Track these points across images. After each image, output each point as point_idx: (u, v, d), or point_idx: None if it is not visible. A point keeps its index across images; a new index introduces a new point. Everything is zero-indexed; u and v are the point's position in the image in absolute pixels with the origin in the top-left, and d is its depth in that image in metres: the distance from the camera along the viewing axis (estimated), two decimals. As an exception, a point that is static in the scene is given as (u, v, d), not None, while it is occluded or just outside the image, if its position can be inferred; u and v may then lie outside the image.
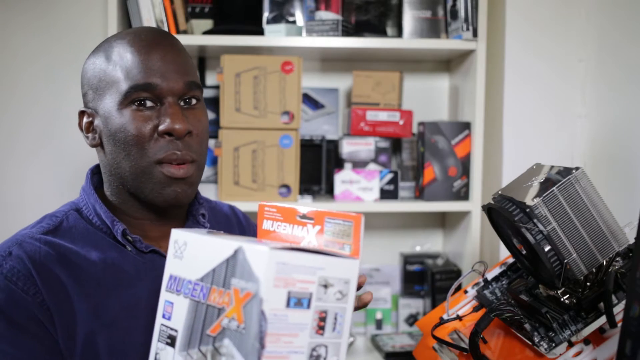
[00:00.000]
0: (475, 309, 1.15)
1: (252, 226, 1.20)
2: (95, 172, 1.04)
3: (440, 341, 1.13)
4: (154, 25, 1.82)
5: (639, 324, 0.69)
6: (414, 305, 2.11)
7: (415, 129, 2.06)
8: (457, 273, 2.00)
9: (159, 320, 0.82)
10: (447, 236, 2.18)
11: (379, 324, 2.09)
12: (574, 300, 0.97)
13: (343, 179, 1.92)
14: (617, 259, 0.98)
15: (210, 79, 2.10)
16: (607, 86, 1.74)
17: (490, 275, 1.19)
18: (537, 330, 0.98)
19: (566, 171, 0.94)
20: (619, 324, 0.89)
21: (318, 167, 2.00)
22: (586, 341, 0.93)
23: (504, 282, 1.18)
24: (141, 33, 0.96)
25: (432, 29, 1.93)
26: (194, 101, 0.96)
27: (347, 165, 1.95)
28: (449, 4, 1.91)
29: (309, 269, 0.72)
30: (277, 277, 0.70)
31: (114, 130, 0.93)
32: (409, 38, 1.92)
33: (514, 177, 1.06)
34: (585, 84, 1.83)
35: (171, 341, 0.79)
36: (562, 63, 1.84)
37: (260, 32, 1.90)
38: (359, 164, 1.96)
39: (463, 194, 1.94)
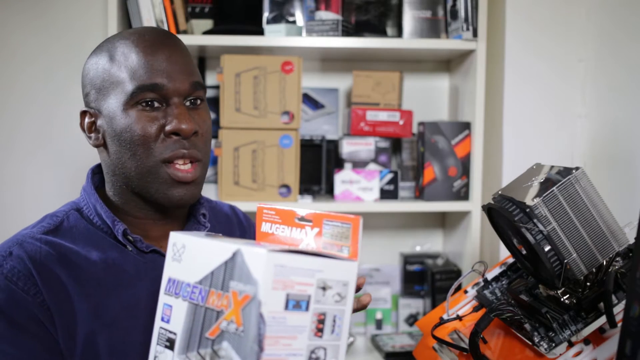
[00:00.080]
0: (475, 309, 1.15)
1: (252, 226, 1.20)
2: (96, 171, 1.04)
3: (440, 341, 1.13)
4: (153, 25, 1.82)
5: (639, 324, 0.69)
6: (414, 305, 2.11)
7: (415, 129, 2.06)
8: (457, 273, 2.00)
9: (157, 323, 0.82)
10: (447, 236, 2.18)
11: (379, 324, 2.09)
12: (574, 300, 0.97)
13: (343, 179, 1.92)
14: (617, 259, 0.98)
15: (210, 79, 2.10)
16: (607, 86, 1.74)
17: (490, 275, 1.19)
18: (537, 330, 0.98)
19: (566, 171, 0.94)
20: (619, 324, 0.89)
21: (318, 167, 2.00)
22: (586, 341, 0.93)
23: (504, 282, 1.18)
24: (145, 33, 0.96)
25: (432, 29, 1.93)
26: (199, 101, 0.97)
27: (347, 165, 1.95)
28: (449, 4, 1.91)
29: (308, 272, 0.72)
30: (275, 280, 0.70)
31: (120, 130, 0.93)
32: (409, 38, 1.92)
33: (514, 177, 1.06)
34: (585, 84, 1.83)
35: (170, 344, 0.79)
36: (562, 63, 1.84)
37: (260, 32, 1.90)
38: (359, 164, 1.96)
39: (463, 194, 1.94)
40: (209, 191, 1.96)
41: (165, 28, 1.82)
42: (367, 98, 2.00)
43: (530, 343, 0.98)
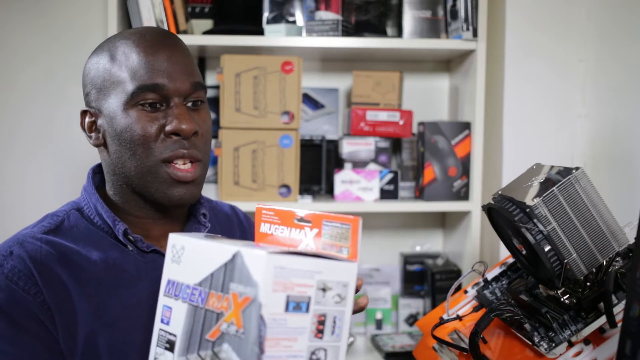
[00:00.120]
0: (475, 309, 1.15)
1: (253, 226, 1.20)
2: (97, 171, 1.04)
3: (440, 341, 1.13)
4: (153, 25, 1.82)
5: (639, 324, 0.69)
6: (414, 305, 2.11)
7: (415, 129, 2.06)
8: (457, 273, 2.00)
9: (157, 325, 0.82)
10: (447, 236, 2.18)
11: (379, 324, 2.09)
12: (574, 300, 0.97)
13: (343, 179, 1.92)
14: (617, 259, 0.98)
15: (210, 79, 2.10)
16: (607, 86, 1.74)
17: (490, 275, 1.19)
18: (537, 330, 0.98)
19: (566, 171, 0.94)
20: (619, 324, 0.89)
21: (318, 167, 2.00)
22: (586, 341, 0.93)
23: (504, 282, 1.18)
24: (146, 33, 0.96)
25: (432, 29, 1.93)
26: (199, 103, 0.97)
27: (347, 165, 1.95)
28: (449, 4, 1.91)
29: (307, 273, 0.72)
30: (275, 282, 0.69)
31: (120, 130, 0.93)
32: (409, 38, 1.92)
33: (514, 177, 1.06)
34: (585, 84, 1.83)
35: (170, 346, 0.79)
36: (562, 63, 1.84)
37: (260, 32, 1.90)
38: (359, 164, 1.96)
39: (463, 194, 1.94)
40: (209, 191, 1.96)
41: (165, 28, 1.82)
42: (367, 98, 2.00)
43: (530, 343, 0.98)
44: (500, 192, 1.03)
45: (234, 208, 1.21)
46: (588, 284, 0.97)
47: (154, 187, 0.95)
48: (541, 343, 0.96)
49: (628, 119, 1.63)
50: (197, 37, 1.87)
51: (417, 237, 2.20)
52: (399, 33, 1.96)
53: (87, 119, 0.98)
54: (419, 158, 1.97)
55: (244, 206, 1.41)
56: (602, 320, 0.92)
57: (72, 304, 0.90)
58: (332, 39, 1.86)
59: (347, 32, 1.91)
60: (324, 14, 1.91)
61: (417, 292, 2.12)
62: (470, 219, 1.93)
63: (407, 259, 2.13)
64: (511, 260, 1.18)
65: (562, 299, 0.98)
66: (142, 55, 0.93)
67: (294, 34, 1.88)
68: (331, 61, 2.15)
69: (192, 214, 1.06)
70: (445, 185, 1.93)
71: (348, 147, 1.96)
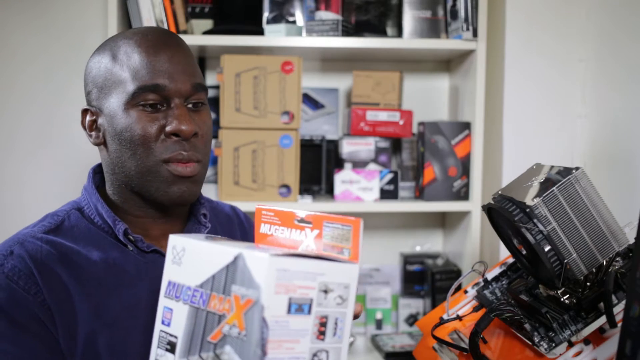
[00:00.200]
0: (475, 309, 1.15)
1: (253, 227, 1.19)
2: (97, 171, 1.04)
3: (440, 341, 1.13)
4: (154, 25, 1.82)
5: (639, 324, 0.69)
6: (414, 305, 2.11)
7: (415, 129, 2.06)
8: (457, 273, 2.00)
9: (158, 326, 0.82)
10: (447, 236, 2.18)
11: (379, 324, 2.09)
12: (574, 300, 0.97)
13: (343, 179, 1.92)
14: (617, 259, 0.98)
15: (210, 79, 2.10)
16: (607, 86, 1.74)
17: (490, 275, 1.19)
18: (537, 330, 0.98)
19: (566, 171, 0.94)
20: (619, 324, 0.89)
21: (318, 167, 2.00)
22: (586, 341, 0.93)
23: (504, 282, 1.18)
24: (148, 33, 0.96)
25: (432, 29, 1.93)
26: (200, 104, 0.97)
27: (347, 165, 1.95)
28: (449, 4, 1.91)
29: (309, 275, 0.72)
30: (277, 284, 0.69)
31: (120, 129, 0.93)
32: (409, 38, 1.92)
33: (514, 177, 1.06)
34: (586, 83, 1.83)
35: (171, 347, 0.79)
36: (563, 63, 1.84)
37: (260, 32, 1.90)
38: (359, 164, 1.96)
39: (463, 194, 1.94)
40: (209, 191, 1.96)
41: (165, 28, 1.82)
42: (367, 98, 2.00)
43: (530, 343, 0.98)
44: (500, 192, 1.03)
45: (234, 208, 1.21)
46: (588, 284, 0.97)
47: (154, 187, 0.95)
48: (541, 343, 0.96)
49: (628, 119, 1.63)
50: (197, 37, 1.87)
51: (417, 237, 2.20)
52: (399, 33, 1.96)
53: (87, 118, 0.98)
54: (419, 158, 1.97)
55: (244, 206, 1.41)
56: (602, 320, 0.92)
57: (72, 303, 0.90)
58: (332, 39, 1.86)
59: (347, 32, 1.91)
60: (324, 14, 1.91)
61: (417, 292, 2.12)
62: (470, 219, 1.93)
63: (407, 259, 2.13)
64: (511, 260, 1.18)
65: (562, 299, 0.98)
66: (144, 56, 0.93)
67: (294, 34, 1.88)
68: (331, 61, 2.15)
69: (193, 214, 1.06)
70: (445, 185, 1.93)
71: (348, 147, 1.96)
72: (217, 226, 1.12)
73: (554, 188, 0.92)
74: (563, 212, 0.92)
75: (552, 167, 0.99)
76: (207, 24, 2.05)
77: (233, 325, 0.71)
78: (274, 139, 1.84)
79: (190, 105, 0.96)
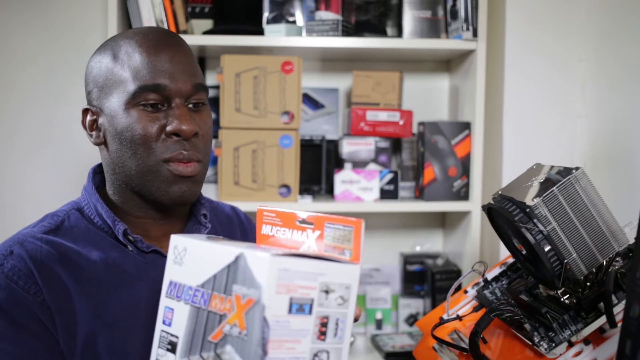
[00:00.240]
0: (475, 309, 1.15)
1: (253, 227, 1.19)
2: (98, 171, 1.04)
3: (440, 341, 1.13)
4: (154, 25, 1.81)
5: (639, 324, 0.69)
6: (414, 305, 2.11)
7: (415, 129, 2.06)
8: (457, 273, 2.00)
9: (159, 326, 0.82)
10: (447, 236, 2.18)
11: (379, 324, 2.09)
12: (574, 300, 0.97)
13: (343, 179, 1.92)
14: (617, 259, 0.98)
15: (210, 79, 2.10)
16: (607, 86, 1.74)
17: (490, 275, 1.19)
18: (537, 330, 0.98)
19: (566, 171, 0.94)
20: (619, 324, 0.89)
21: (318, 167, 2.00)
22: (586, 341, 0.93)
23: (504, 282, 1.18)
24: (149, 33, 0.96)
25: (432, 29, 1.93)
26: (200, 104, 0.97)
27: (347, 165, 1.95)
28: (449, 4, 1.91)
29: (310, 275, 0.72)
30: (279, 284, 0.69)
31: (120, 129, 0.93)
32: (409, 38, 1.92)
33: (514, 177, 1.06)
34: (586, 83, 1.83)
35: (172, 347, 0.79)
36: (563, 63, 1.84)
37: (260, 32, 1.90)
38: (359, 164, 1.96)
39: (463, 194, 1.94)
40: (209, 191, 1.96)
41: (166, 28, 1.82)
42: (367, 98, 2.00)
43: (530, 343, 0.98)
44: (500, 192, 1.03)
45: (235, 209, 1.21)
46: (588, 284, 0.97)
47: (154, 186, 0.95)
48: (541, 343, 0.96)
49: (628, 119, 1.63)
50: (197, 37, 1.87)
51: (417, 237, 2.20)
52: (399, 33, 1.96)
53: (88, 118, 0.98)
54: (419, 158, 1.97)
55: (244, 206, 1.41)
56: (602, 320, 0.92)
57: (72, 303, 0.90)
58: (332, 39, 1.86)
59: (347, 32, 1.91)
60: (324, 14, 1.91)
61: (417, 292, 2.12)
62: (470, 219, 1.93)
63: (407, 259, 2.13)
64: (511, 260, 1.18)
65: (562, 299, 0.98)
66: (145, 55, 0.93)
67: (294, 34, 1.88)
68: (331, 61, 2.15)
69: (193, 214, 1.06)
70: (445, 185, 1.93)
71: (348, 147, 1.96)
72: (217, 226, 1.12)
73: (554, 188, 0.92)
74: (563, 212, 0.92)
75: (552, 167, 0.99)
76: (207, 24, 2.05)
77: (234, 325, 0.71)
78: (274, 139, 1.84)
79: (190, 105, 0.96)
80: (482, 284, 1.19)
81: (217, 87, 2.02)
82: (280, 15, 1.97)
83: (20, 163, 2.02)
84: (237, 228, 1.17)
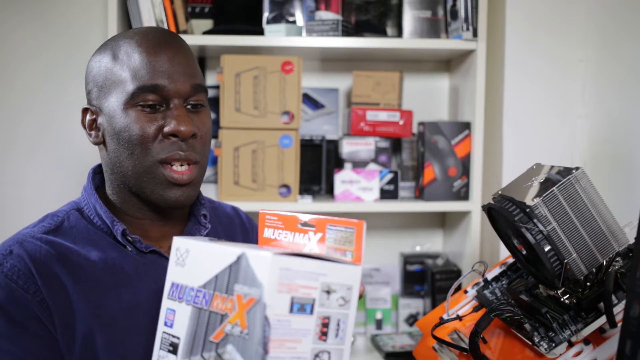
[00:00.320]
0: (475, 309, 1.15)
1: (254, 228, 1.19)
2: (97, 171, 1.04)
3: (440, 341, 1.13)
4: (154, 25, 1.81)
5: (639, 324, 0.69)
6: (414, 305, 2.10)
7: (415, 129, 2.06)
8: (457, 273, 2.00)
9: (160, 327, 0.82)
10: (447, 236, 2.18)
11: (379, 324, 2.09)
12: (574, 300, 0.97)
13: (343, 179, 1.92)
14: (617, 259, 0.98)
15: (210, 79, 2.10)
16: (607, 86, 1.74)
17: (490, 275, 1.19)
18: (537, 330, 0.98)
19: (566, 171, 0.94)
20: (619, 324, 0.89)
21: (318, 167, 2.00)
22: (586, 341, 0.93)
23: (504, 282, 1.18)
24: (149, 33, 0.96)
25: (432, 29, 1.93)
26: (199, 105, 0.97)
27: (347, 165, 1.95)
28: (449, 4, 1.91)
29: (312, 275, 0.72)
30: (280, 283, 0.69)
31: (118, 129, 0.93)
32: (409, 38, 1.92)
33: (514, 177, 1.06)
34: (586, 83, 1.83)
35: (173, 348, 0.79)
36: (563, 63, 1.84)
37: (260, 32, 1.90)
38: (359, 164, 1.96)
39: (463, 194, 1.94)
40: (209, 191, 1.96)
41: (165, 28, 1.82)
42: (367, 98, 2.00)
43: (530, 343, 0.97)
44: (500, 192, 1.03)
45: (236, 209, 1.21)
46: (588, 284, 0.97)
47: (149, 188, 0.95)
48: (541, 343, 0.96)
49: (628, 119, 1.63)
50: (197, 37, 1.87)
51: (417, 237, 2.20)
52: (399, 33, 1.96)
53: (87, 117, 0.98)
54: (419, 158, 1.97)
55: (244, 206, 1.41)
56: (602, 320, 0.92)
57: (71, 303, 0.90)
58: (332, 39, 1.86)
59: (347, 32, 1.90)
60: (324, 14, 1.91)
61: (417, 292, 2.12)
62: (470, 219, 1.93)
63: (407, 259, 2.13)
64: (511, 260, 1.18)
65: (562, 299, 0.98)
66: (144, 56, 0.93)
67: (294, 34, 1.88)
68: (331, 61, 2.15)
69: (193, 215, 1.06)
70: (445, 185, 1.93)
71: (348, 147, 1.96)
72: (217, 226, 1.12)
73: (554, 188, 0.92)
74: (563, 212, 0.92)
75: (552, 167, 0.99)
76: (207, 24, 2.05)
77: (235, 324, 0.71)
78: (274, 139, 1.84)
79: (189, 106, 0.96)
80: (482, 284, 1.19)
81: (217, 87, 2.02)
82: (280, 15, 1.97)
83: (20, 163, 2.02)
84: (238, 228, 1.17)
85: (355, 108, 1.95)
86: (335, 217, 0.81)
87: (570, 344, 0.94)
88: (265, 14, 1.96)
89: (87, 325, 0.90)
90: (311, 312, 0.72)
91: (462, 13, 1.85)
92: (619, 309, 0.91)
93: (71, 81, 2.03)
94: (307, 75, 2.11)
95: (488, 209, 1.04)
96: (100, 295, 0.92)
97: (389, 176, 1.94)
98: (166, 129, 0.93)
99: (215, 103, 1.97)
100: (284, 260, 0.70)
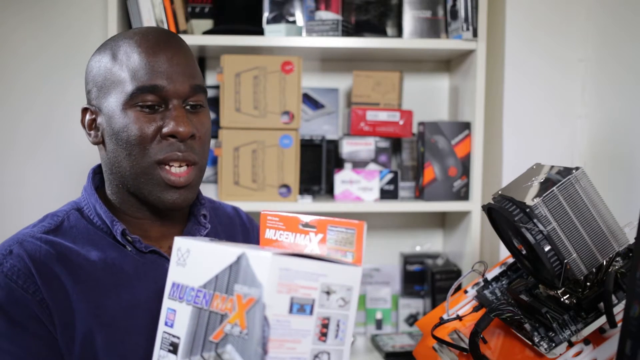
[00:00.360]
0: (475, 309, 1.15)
1: (255, 227, 1.19)
2: (97, 171, 1.04)
3: (440, 341, 1.13)
4: (154, 25, 1.81)
5: (639, 324, 0.69)
6: (414, 305, 2.10)
7: (415, 129, 2.06)
8: (457, 273, 2.00)
9: (161, 327, 0.82)
10: (447, 236, 2.18)
11: (379, 324, 2.09)
12: (574, 300, 0.96)
13: (343, 179, 1.92)
14: (617, 259, 0.98)
15: (210, 79, 2.10)
16: (607, 86, 1.74)
17: (490, 275, 1.19)
18: (537, 330, 0.98)
19: (566, 171, 0.94)
20: (619, 324, 0.89)
21: (318, 167, 2.00)
22: (586, 341, 0.93)
23: (504, 282, 1.18)
24: (148, 33, 0.96)
25: (432, 29, 1.93)
26: (198, 106, 0.97)
27: (347, 165, 1.95)
28: (449, 4, 1.91)
29: (312, 275, 0.72)
30: (280, 283, 0.69)
31: (117, 129, 0.93)
32: (409, 38, 1.92)
33: (514, 177, 1.06)
34: (586, 83, 1.83)
35: (173, 348, 0.79)
36: (562, 63, 1.84)
37: (260, 32, 1.90)
38: (359, 164, 1.96)
39: (463, 194, 1.94)
40: (209, 191, 1.96)
41: (165, 28, 1.82)
42: (367, 98, 2.00)
43: (530, 343, 0.97)
44: (500, 192, 1.03)
45: (236, 209, 1.21)
46: (588, 284, 0.97)
47: (147, 190, 0.95)
48: (541, 343, 0.96)
49: (628, 119, 1.63)
50: (197, 37, 1.87)
51: (417, 237, 2.20)
52: (399, 33, 1.96)
53: (87, 117, 0.98)
54: (419, 158, 1.97)
55: (244, 206, 1.41)
56: (602, 320, 0.92)
57: (70, 303, 0.90)
58: (332, 39, 1.86)
59: (347, 32, 1.90)
60: (324, 14, 1.91)
61: (417, 292, 2.12)
62: (470, 219, 1.93)
63: (407, 259, 2.13)
64: (511, 260, 1.18)
65: (562, 299, 0.98)
66: (143, 56, 0.93)
67: (294, 34, 1.88)
68: (331, 61, 2.15)
69: (193, 215, 1.06)
70: (445, 185, 1.93)
71: (348, 147, 1.96)
72: (217, 226, 1.12)
73: (554, 188, 0.92)
74: (563, 212, 0.92)
75: (552, 167, 0.99)
76: (207, 24, 2.05)
77: (235, 324, 0.71)
78: (274, 139, 1.84)
79: (188, 107, 0.96)
80: (482, 284, 1.19)
81: (217, 87, 2.02)
82: (280, 15, 1.97)
83: (20, 163, 2.02)
84: (239, 228, 1.17)
85: (355, 108, 1.95)
86: (336, 218, 0.81)
87: (570, 344, 0.94)
88: (265, 14, 1.96)
89: (86, 325, 0.90)
90: (311, 312, 0.72)
91: (462, 13, 1.85)
92: (619, 309, 0.91)
93: (71, 81, 2.03)
94: (307, 75, 2.11)
95: (488, 209, 1.04)
96: (100, 295, 0.92)
97: (389, 176, 1.94)
98: (165, 130, 0.92)
99: (215, 103, 1.97)
100: (284, 261, 0.70)
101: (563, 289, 0.99)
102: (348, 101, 2.14)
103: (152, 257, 0.97)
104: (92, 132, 0.98)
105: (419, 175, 1.98)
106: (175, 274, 0.82)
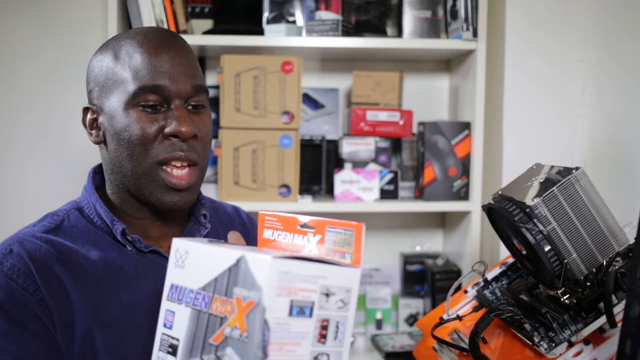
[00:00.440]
0: (475, 309, 1.15)
1: (255, 227, 1.19)
2: (98, 171, 1.04)
3: (440, 341, 1.13)
4: (154, 25, 1.81)
5: (639, 324, 0.69)
6: (414, 305, 2.10)
7: (415, 129, 2.06)
8: (457, 273, 2.00)
9: (160, 329, 0.82)
10: (447, 236, 2.18)
11: (379, 324, 2.09)
12: (574, 300, 0.96)
13: (343, 179, 1.92)
14: (617, 259, 0.98)
15: (210, 79, 2.10)
16: (607, 86, 1.74)
17: (490, 275, 1.19)
18: (537, 330, 0.98)
19: (566, 171, 0.94)
20: (619, 324, 0.89)
21: (318, 167, 2.00)
22: (586, 341, 0.93)
23: (504, 282, 1.18)
24: (150, 33, 0.96)
25: (432, 29, 1.93)
26: (200, 106, 0.97)
27: (347, 165, 1.95)
28: (449, 4, 1.91)
29: (311, 278, 0.72)
30: (279, 286, 0.69)
31: (119, 129, 0.93)
32: (409, 38, 1.92)
33: (514, 177, 1.06)
34: (586, 83, 1.83)
35: (173, 350, 0.79)
36: (563, 63, 1.84)
37: (260, 32, 1.90)
38: (359, 164, 1.96)
39: (463, 194, 1.94)
40: (209, 191, 1.96)
41: (165, 28, 1.82)
42: (367, 98, 2.00)
43: (530, 343, 0.97)
44: (500, 192, 1.03)
45: (237, 209, 1.21)
46: (588, 284, 0.97)
47: (147, 191, 0.95)
48: (541, 343, 0.96)
49: (628, 119, 1.63)
50: (197, 37, 1.87)
51: (417, 237, 2.20)
52: (399, 33, 1.96)
53: (88, 116, 0.98)
54: (419, 158, 1.97)
55: (244, 206, 1.41)
56: (602, 320, 0.92)
57: (70, 302, 0.90)
58: (332, 39, 1.86)
59: (347, 32, 1.90)
60: (324, 14, 1.91)
61: (417, 292, 2.12)
62: (470, 219, 1.93)
63: (407, 259, 2.13)
64: (511, 260, 1.18)
65: (562, 299, 0.98)
66: (145, 56, 0.93)
67: (294, 34, 1.88)
68: (331, 61, 2.15)
69: (193, 214, 1.06)
70: (445, 185, 1.93)
71: (348, 147, 1.96)
72: (217, 226, 1.12)
73: (554, 188, 0.92)
74: (563, 212, 0.92)
75: (552, 167, 0.99)
76: (207, 24, 2.05)
77: (235, 327, 0.71)
78: (274, 139, 1.84)
79: (190, 107, 0.96)
80: (482, 284, 1.19)
81: (217, 87, 2.02)
82: (280, 15, 1.97)
83: (20, 163, 2.02)
84: (239, 228, 1.17)
85: (355, 108, 1.95)
86: (334, 219, 0.81)
87: (570, 344, 0.94)
88: (265, 14, 1.96)
89: (86, 325, 0.90)
90: (310, 315, 0.72)
91: (462, 13, 1.85)
92: (619, 309, 0.91)
93: (71, 81, 2.03)
94: (307, 75, 2.11)
95: (488, 209, 1.04)
96: (100, 295, 0.92)
97: (389, 176, 1.94)
98: (167, 130, 0.93)
99: (215, 103, 1.97)
100: (284, 264, 0.70)
101: (563, 289, 0.99)
102: (348, 101, 2.14)
103: (152, 256, 0.97)
104: (94, 132, 0.98)
105: (419, 175, 1.98)
106: (173, 275, 0.81)
